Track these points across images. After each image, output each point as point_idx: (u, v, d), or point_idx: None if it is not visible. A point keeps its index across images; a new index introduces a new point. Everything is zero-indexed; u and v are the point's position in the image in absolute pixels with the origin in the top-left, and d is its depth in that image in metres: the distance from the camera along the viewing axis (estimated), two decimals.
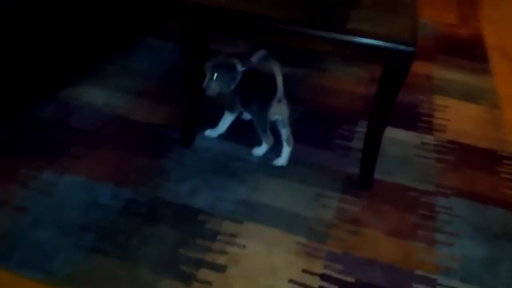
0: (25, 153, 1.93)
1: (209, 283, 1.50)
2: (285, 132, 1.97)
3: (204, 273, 1.52)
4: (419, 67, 2.76)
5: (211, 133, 2.11)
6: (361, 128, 2.21)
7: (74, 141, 2.03)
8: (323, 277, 1.55)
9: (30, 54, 2.06)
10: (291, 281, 1.53)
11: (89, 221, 1.67)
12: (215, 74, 1.89)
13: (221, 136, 2.10)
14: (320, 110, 2.35)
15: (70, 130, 2.10)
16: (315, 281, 1.53)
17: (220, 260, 1.57)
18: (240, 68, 1.92)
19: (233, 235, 1.66)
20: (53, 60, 2.21)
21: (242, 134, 2.13)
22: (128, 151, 2.00)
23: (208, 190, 1.83)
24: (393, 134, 2.21)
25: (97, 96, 2.32)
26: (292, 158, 1.99)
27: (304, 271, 1.56)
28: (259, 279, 1.52)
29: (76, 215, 1.69)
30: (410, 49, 1.55)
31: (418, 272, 1.60)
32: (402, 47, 1.55)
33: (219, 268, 1.54)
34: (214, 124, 2.11)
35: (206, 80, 1.91)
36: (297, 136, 2.05)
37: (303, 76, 2.61)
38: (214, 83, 1.91)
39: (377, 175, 1.94)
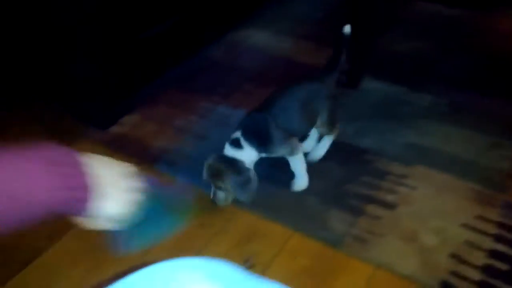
0: (201, 90, 2.09)
1: (378, 217, 1.51)
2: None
3: (373, 208, 1.54)
4: None
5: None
6: None
7: (243, 79, 2.14)
8: (500, 225, 1.48)
9: (196, 2, 2.18)
10: (463, 225, 1.48)
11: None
12: (222, 184, 1.46)
13: (390, 80, 2.06)
14: (501, 57, 2.18)
15: (240, 69, 2.22)
16: (491, 228, 1.47)
17: (390, 198, 1.58)
18: (250, 166, 1.50)
19: (403, 176, 1.65)
20: (218, 5, 2.32)
21: (410, 77, 2.07)
22: None
23: (374, 132, 1.83)
24: None
25: (262, 39, 2.41)
26: (463, 105, 1.89)
27: (478, 217, 1.50)
28: (429, 220, 1.50)
29: None
30: None
31: None
32: None
33: (389, 205, 1.55)
34: (379, 66, 2.08)
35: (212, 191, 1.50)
36: (473, 85, 1.94)
37: (473, 20, 2.43)
38: (222, 194, 1.49)
39: None
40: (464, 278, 1.34)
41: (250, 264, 1.40)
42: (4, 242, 1.32)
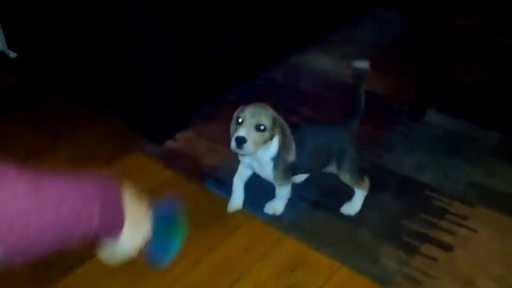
0: None
1: (434, 259, 1.42)
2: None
3: (428, 248, 1.45)
4: None
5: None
6: None
7: (300, 103, 2.10)
8: None
9: (263, 22, 2.17)
10: None
11: (313, 176, 1.71)
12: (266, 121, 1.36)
13: (456, 114, 1.96)
14: None
15: (298, 92, 2.18)
16: None
17: (447, 239, 1.48)
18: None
19: (463, 217, 1.54)
20: (285, 27, 2.30)
21: (478, 112, 1.96)
22: None
23: (436, 167, 1.73)
24: None
25: (324, 63, 2.37)
26: None
27: None
28: (489, 266, 1.39)
29: None
30: None
31: None
32: None
33: (446, 247, 1.45)
34: (449, 100, 1.99)
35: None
36: None
37: None
38: (257, 136, 1.35)
39: None
40: None
41: None
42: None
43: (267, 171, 1.47)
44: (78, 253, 1.43)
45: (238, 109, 1.38)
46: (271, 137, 1.37)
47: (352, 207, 1.58)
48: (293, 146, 1.39)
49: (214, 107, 2.07)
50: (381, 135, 1.90)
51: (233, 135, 1.35)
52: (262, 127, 1.33)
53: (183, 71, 1.85)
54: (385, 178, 1.70)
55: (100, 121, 2.01)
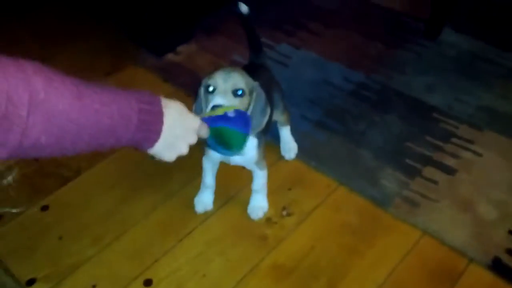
0: (265, 24, 1.97)
1: (434, 182, 1.39)
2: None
3: (430, 171, 1.42)
4: None
5: None
6: None
7: (312, 17, 2.00)
8: None
9: None
10: None
11: (318, 96, 1.66)
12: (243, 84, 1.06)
13: (473, 34, 1.85)
14: None
15: (310, 5, 2.07)
16: None
17: (451, 162, 1.44)
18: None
19: (470, 141, 1.49)
20: None
21: (497, 33, 1.85)
22: (364, 35, 1.90)
23: (447, 89, 1.66)
24: None
25: None
26: None
27: None
28: (490, 191, 1.36)
29: (306, 88, 1.69)
30: None
31: None
32: None
33: (448, 170, 1.42)
34: (467, 19, 1.87)
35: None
36: None
37: None
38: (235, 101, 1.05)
39: None
40: None
41: (287, 212, 1.33)
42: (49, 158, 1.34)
43: (249, 153, 1.19)
44: (75, 165, 1.44)
45: (205, 78, 1.08)
46: (249, 105, 1.08)
47: (292, 148, 1.47)
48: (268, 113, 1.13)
49: (219, 20, 1.98)
50: (393, 54, 1.81)
51: (204, 109, 1.06)
52: (239, 92, 1.05)
53: None
54: (393, 99, 1.64)
55: (100, 33, 1.94)
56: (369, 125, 1.56)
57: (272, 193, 1.36)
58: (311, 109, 1.62)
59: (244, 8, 1.32)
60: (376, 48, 1.84)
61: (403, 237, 1.27)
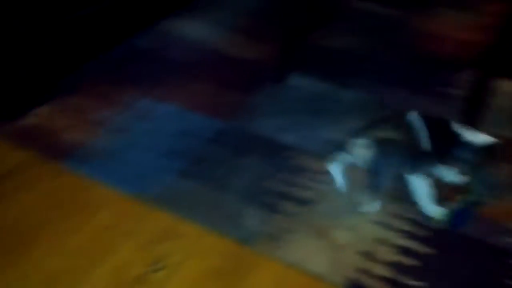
0: (125, 81, 2.01)
1: (293, 214, 1.50)
2: None
3: (288, 205, 1.53)
4: None
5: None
6: (465, 75, 2.05)
7: (170, 71, 2.08)
8: (410, 221, 1.49)
9: None
10: (377, 222, 1.48)
11: (181, 147, 1.72)
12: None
13: (318, 76, 2.05)
14: (422, 55, 2.21)
15: (167, 60, 2.15)
16: (402, 225, 1.48)
17: (305, 195, 1.56)
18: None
19: (320, 173, 1.64)
20: None
21: (337, 74, 2.06)
22: (220, 84, 2.01)
23: (297, 128, 1.81)
24: (501, 86, 2.03)
25: (193, 30, 2.35)
26: (391, 102, 1.90)
27: (391, 214, 1.51)
28: (343, 217, 1.50)
29: (169, 140, 1.75)
30: None
31: None
32: None
33: (304, 202, 1.54)
34: (310, 63, 2.07)
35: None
36: (397, 81, 1.96)
37: (405, 19, 2.45)
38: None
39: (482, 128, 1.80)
40: (372, 275, 1.34)
41: (158, 267, 1.35)
42: None
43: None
44: None
45: None
46: None
47: None
48: None
49: (79, 79, 1.98)
50: (248, 100, 1.94)
51: None
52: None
53: (36, 39, 1.72)
54: (250, 142, 1.75)
55: None
56: (230, 170, 1.64)
57: (141, 250, 1.37)
58: (175, 160, 1.67)
59: None
60: (232, 96, 1.96)
61: (268, 272, 1.35)
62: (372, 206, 1.50)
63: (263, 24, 2.39)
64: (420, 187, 1.49)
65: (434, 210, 1.48)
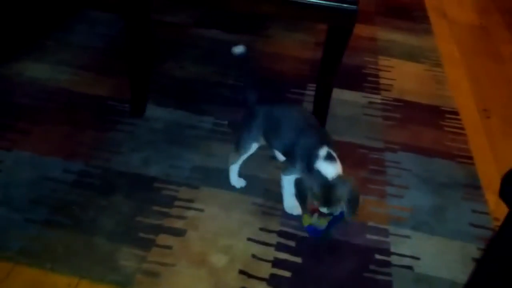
0: None
1: (169, 247, 1.50)
2: None
3: (163, 238, 1.53)
4: (362, 30, 2.81)
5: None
6: (310, 91, 2.24)
7: (18, 117, 1.96)
8: (280, 233, 1.58)
9: None
10: (249, 239, 1.55)
11: (40, 195, 1.63)
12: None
13: (173, 105, 2.08)
14: (268, 76, 2.36)
15: (14, 106, 2.02)
16: (273, 238, 1.57)
17: (179, 224, 1.58)
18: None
19: (190, 200, 1.66)
20: None
21: (192, 101, 2.12)
22: (75, 125, 1.94)
23: (161, 159, 1.82)
24: (341, 95, 2.25)
25: (39, 71, 2.24)
26: (236, 123, 2.00)
27: (262, 229, 1.59)
28: (218, 240, 1.54)
29: (25, 190, 1.64)
30: (353, 7, 1.57)
31: (370, 223, 1.66)
32: (345, 6, 1.58)
33: (178, 232, 1.55)
34: (165, 94, 2.10)
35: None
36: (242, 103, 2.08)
37: (249, 43, 2.60)
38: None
39: None
40: None
41: None
42: None
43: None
44: None
45: None
46: None
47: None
48: None
49: None
50: (107, 137, 1.90)
51: None
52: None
53: None
54: (115, 180, 1.72)
55: None
56: (97, 211, 1.59)
57: None
58: (35, 210, 1.58)
59: (239, 49, 1.64)
60: (89, 135, 1.90)
61: None
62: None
63: (111, 60, 2.36)
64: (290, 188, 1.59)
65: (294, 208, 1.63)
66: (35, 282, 1.37)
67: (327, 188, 1.43)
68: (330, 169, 1.45)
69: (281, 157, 1.67)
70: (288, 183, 1.60)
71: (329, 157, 1.46)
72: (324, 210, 1.47)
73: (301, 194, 1.49)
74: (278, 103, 1.73)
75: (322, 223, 1.55)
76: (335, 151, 1.50)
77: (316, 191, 1.44)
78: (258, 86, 1.69)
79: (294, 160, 1.54)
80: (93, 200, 1.63)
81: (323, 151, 1.47)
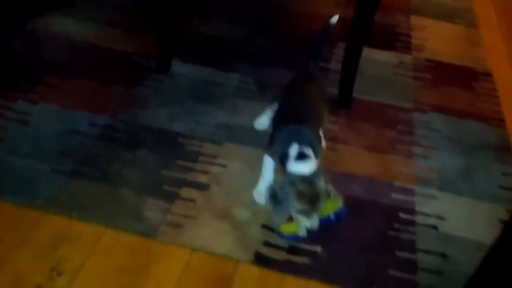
0: None
1: (192, 200, 1.51)
2: None
3: (187, 192, 1.54)
4: None
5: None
6: (339, 49, 2.18)
7: (46, 71, 1.97)
8: None
9: None
10: None
11: (67, 147, 1.65)
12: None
13: (199, 62, 2.06)
14: (298, 34, 2.31)
15: (42, 60, 2.03)
16: None
17: (202, 179, 1.58)
18: None
19: (214, 156, 1.66)
20: None
21: (218, 58, 2.09)
22: (103, 80, 1.95)
23: (186, 115, 1.82)
24: (371, 55, 2.20)
25: (66, 27, 2.24)
26: (267, 82, 1.98)
27: None
28: (241, 195, 1.54)
29: (53, 142, 1.66)
30: None
31: (396, 183, 1.63)
32: None
33: (202, 187, 1.56)
34: (191, 51, 2.08)
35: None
36: (275, 61, 2.04)
37: (280, 2, 2.54)
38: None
39: (356, 95, 1.94)
40: (275, 246, 1.40)
41: (57, 272, 1.29)
42: None
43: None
44: None
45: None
46: None
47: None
48: None
49: None
50: (132, 92, 1.90)
51: None
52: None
53: None
54: (140, 134, 1.72)
55: None
56: (123, 164, 1.61)
57: (38, 259, 1.31)
58: (63, 161, 1.60)
59: (334, 19, 1.66)
60: (115, 91, 1.91)
61: (175, 260, 1.36)
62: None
63: (138, 17, 2.34)
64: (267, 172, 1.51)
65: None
66: (62, 231, 1.40)
67: (307, 183, 1.29)
68: (302, 169, 1.31)
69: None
70: (268, 163, 1.48)
71: (301, 157, 1.32)
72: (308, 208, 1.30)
73: (278, 197, 1.31)
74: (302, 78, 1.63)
75: (303, 227, 1.35)
76: (314, 145, 1.35)
77: (300, 187, 1.28)
78: (322, 58, 1.71)
79: (274, 144, 1.42)
80: (118, 154, 1.64)
81: (294, 150, 1.33)
